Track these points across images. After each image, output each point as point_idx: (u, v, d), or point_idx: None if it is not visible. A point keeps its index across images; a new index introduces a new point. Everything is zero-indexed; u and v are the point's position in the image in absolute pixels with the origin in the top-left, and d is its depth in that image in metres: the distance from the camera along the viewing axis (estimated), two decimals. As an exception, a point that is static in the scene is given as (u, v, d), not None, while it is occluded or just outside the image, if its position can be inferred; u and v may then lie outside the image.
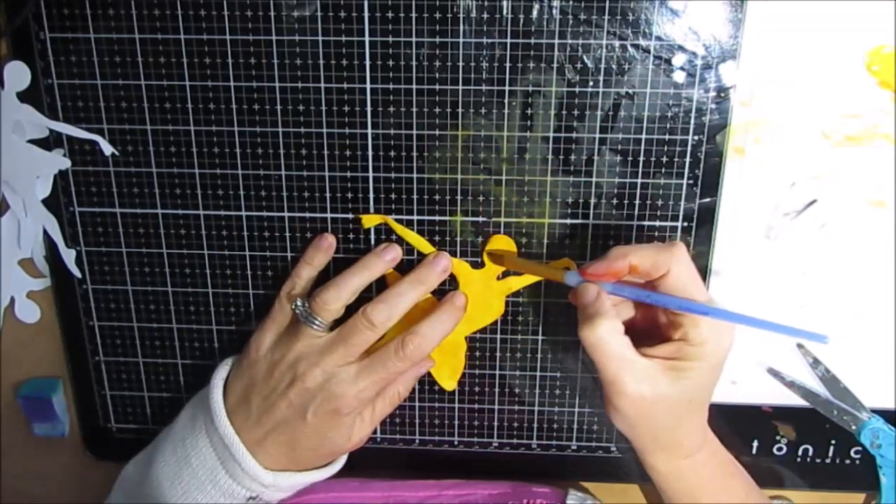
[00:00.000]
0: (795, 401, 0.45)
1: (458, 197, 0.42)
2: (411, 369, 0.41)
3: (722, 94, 0.39)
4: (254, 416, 0.39)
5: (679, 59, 0.39)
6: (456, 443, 0.48)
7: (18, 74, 0.41)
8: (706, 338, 0.36)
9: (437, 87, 0.40)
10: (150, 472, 0.40)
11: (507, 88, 0.40)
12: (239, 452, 0.38)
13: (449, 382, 0.45)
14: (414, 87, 0.40)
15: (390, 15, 0.39)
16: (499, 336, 0.45)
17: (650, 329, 0.40)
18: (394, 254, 0.42)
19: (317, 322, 0.39)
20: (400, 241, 0.43)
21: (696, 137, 0.40)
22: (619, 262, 0.36)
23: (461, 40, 0.39)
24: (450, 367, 0.45)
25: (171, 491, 0.39)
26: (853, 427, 0.44)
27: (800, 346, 0.44)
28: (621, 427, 0.38)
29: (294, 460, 0.40)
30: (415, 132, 0.41)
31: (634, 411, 0.36)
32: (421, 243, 0.43)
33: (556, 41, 0.39)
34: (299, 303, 0.40)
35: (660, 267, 0.36)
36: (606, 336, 0.35)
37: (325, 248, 0.43)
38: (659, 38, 0.39)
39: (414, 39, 0.39)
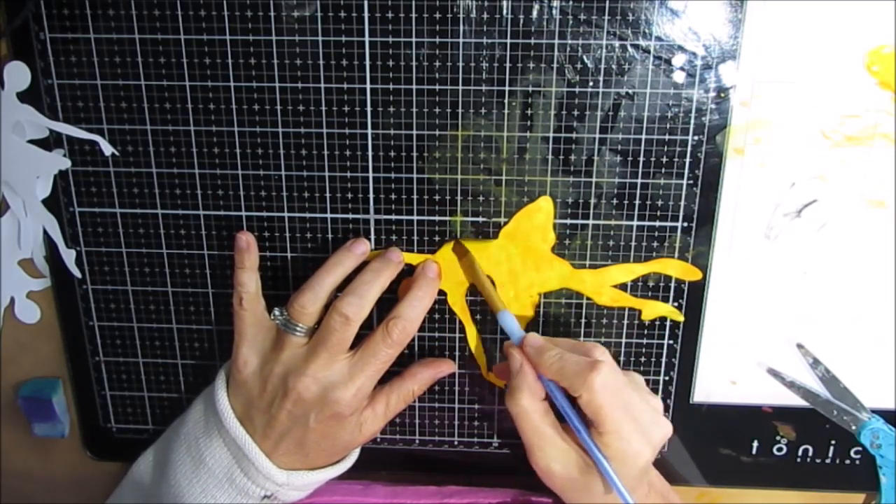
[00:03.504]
0: (795, 401, 0.45)
1: (458, 197, 0.42)
2: (427, 371, 0.42)
3: (722, 95, 0.39)
4: (259, 430, 0.39)
5: (679, 59, 0.39)
6: (456, 443, 0.48)
7: (18, 74, 0.41)
8: (617, 450, 0.36)
9: (437, 87, 0.40)
10: (167, 472, 0.40)
11: (507, 88, 0.40)
12: (252, 452, 0.38)
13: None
14: (414, 87, 0.40)
15: (390, 15, 0.39)
16: (499, 336, 0.45)
17: None
18: (363, 247, 0.41)
19: (298, 328, 0.39)
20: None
21: (696, 137, 0.40)
22: (542, 368, 0.38)
23: (461, 40, 0.39)
24: (523, 318, 0.45)
25: (190, 490, 0.39)
26: (853, 427, 0.44)
27: (799, 346, 0.44)
28: None
29: (307, 461, 0.40)
30: (415, 132, 0.41)
31: (548, 481, 0.39)
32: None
33: (556, 41, 0.39)
34: (277, 312, 0.40)
35: (574, 390, 0.36)
36: (526, 410, 0.38)
37: (245, 248, 0.42)
38: (659, 39, 0.39)
39: (414, 39, 0.39)
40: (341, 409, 0.38)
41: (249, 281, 0.41)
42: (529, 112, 0.40)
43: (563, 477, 0.38)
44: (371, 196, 0.43)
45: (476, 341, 0.45)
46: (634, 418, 0.37)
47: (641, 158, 0.41)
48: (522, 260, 0.43)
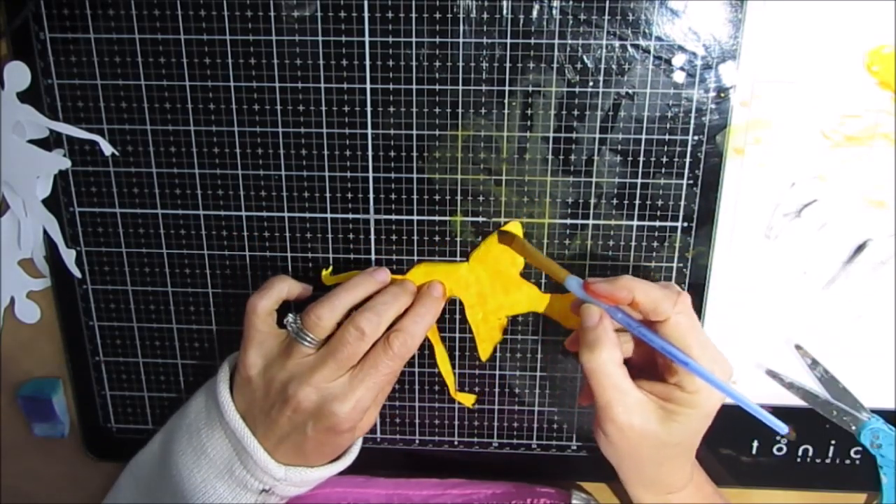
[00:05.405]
0: (795, 401, 0.45)
1: (458, 197, 0.42)
2: None
3: (722, 94, 0.39)
4: (260, 430, 0.39)
5: (679, 59, 0.39)
6: (456, 443, 0.48)
7: (18, 74, 0.41)
8: (699, 387, 0.37)
9: (437, 87, 0.40)
10: (168, 462, 0.41)
11: (507, 88, 0.40)
12: (251, 445, 0.39)
13: (484, 353, 0.45)
14: (414, 87, 0.40)
15: (390, 15, 0.39)
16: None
17: (648, 367, 0.40)
18: (384, 276, 0.41)
19: (308, 339, 0.39)
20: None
21: (696, 137, 0.40)
22: (623, 293, 0.37)
23: (461, 40, 0.39)
24: (491, 339, 0.45)
25: (191, 479, 0.39)
26: (853, 427, 0.44)
27: (798, 346, 0.44)
28: (609, 455, 0.39)
29: (305, 461, 0.40)
30: (415, 132, 0.41)
31: (622, 441, 0.38)
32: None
33: (556, 41, 0.39)
34: (291, 319, 0.39)
35: (660, 312, 0.36)
36: (606, 364, 0.37)
37: (303, 292, 0.43)
38: (659, 38, 0.39)
39: (414, 39, 0.39)
40: (338, 422, 0.38)
41: (280, 293, 0.41)
42: (529, 112, 0.40)
43: (642, 431, 0.37)
44: (371, 196, 0.43)
45: (444, 361, 0.45)
46: (712, 345, 0.37)
47: (641, 158, 0.41)
48: (491, 283, 0.43)
